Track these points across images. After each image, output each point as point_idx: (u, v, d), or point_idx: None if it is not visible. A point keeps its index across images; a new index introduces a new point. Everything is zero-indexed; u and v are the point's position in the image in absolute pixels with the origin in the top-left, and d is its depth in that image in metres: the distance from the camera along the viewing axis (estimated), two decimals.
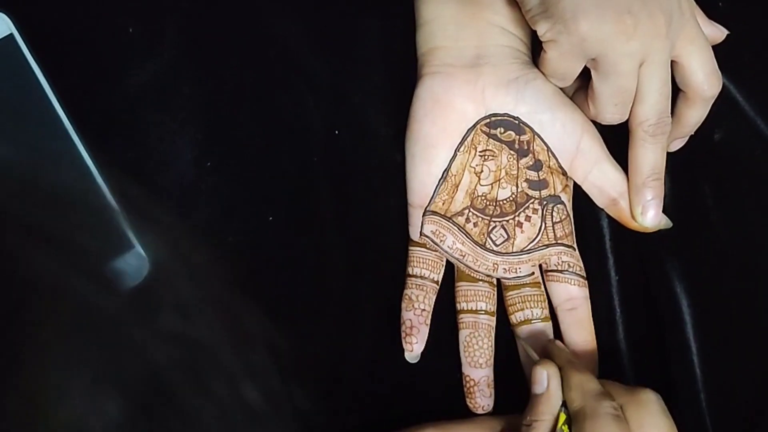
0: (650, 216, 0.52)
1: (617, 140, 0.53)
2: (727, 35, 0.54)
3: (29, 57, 0.54)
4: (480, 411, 0.53)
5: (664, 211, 0.53)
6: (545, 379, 0.49)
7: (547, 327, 0.54)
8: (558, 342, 0.53)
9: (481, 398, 0.53)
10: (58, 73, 0.54)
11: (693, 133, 0.54)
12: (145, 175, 0.55)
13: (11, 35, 0.54)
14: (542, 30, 0.49)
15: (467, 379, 0.53)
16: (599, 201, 0.54)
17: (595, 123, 0.53)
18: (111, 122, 0.55)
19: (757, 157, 0.57)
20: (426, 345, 0.53)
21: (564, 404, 0.48)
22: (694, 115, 0.52)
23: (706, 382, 0.54)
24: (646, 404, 0.48)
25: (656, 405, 0.48)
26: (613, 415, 0.46)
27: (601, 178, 0.53)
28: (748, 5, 0.59)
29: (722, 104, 0.53)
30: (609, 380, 0.50)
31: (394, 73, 0.57)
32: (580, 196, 0.54)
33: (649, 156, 0.51)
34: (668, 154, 0.53)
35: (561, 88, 0.53)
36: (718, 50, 0.52)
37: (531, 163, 0.53)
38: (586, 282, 0.54)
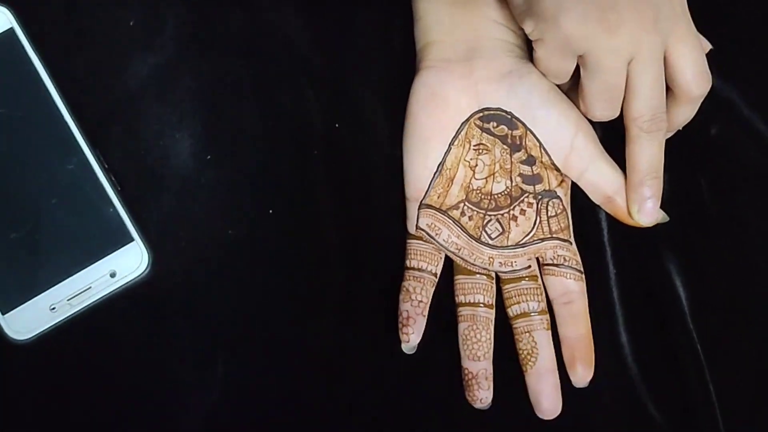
0: (647, 213, 0.52)
1: (617, 141, 0.53)
2: (725, 33, 0.53)
3: (30, 50, 0.54)
4: (478, 404, 0.53)
5: (661, 205, 0.52)
6: None
7: (544, 320, 0.54)
8: None
9: (479, 391, 0.53)
10: (58, 66, 0.55)
11: (681, 128, 0.53)
12: (144, 167, 0.55)
13: (12, 29, 0.54)
14: (528, 29, 0.49)
15: (465, 371, 0.53)
16: (595, 198, 0.54)
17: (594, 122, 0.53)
18: (111, 115, 0.56)
19: (751, 154, 0.57)
20: (426, 338, 0.53)
21: None
22: (682, 113, 0.52)
23: (712, 371, 0.54)
24: None
25: None
26: None
27: (596, 176, 0.53)
28: (746, 4, 0.58)
29: (717, 101, 0.53)
30: None
31: (394, 66, 0.57)
32: (578, 189, 0.54)
33: (646, 152, 0.51)
34: (665, 149, 0.53)
35: (558, 85, 0.53)
36: (717, 56, 0.52)
37: (524, 158, 0.53)
38: (583, 276, 0.54)
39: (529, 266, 0.54)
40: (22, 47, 0.54)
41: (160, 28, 0.56)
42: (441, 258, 0.54)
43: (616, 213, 0.53)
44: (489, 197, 0.53)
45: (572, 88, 0.53)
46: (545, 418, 0.53)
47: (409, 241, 0.54)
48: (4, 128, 0.54)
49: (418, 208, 0.54)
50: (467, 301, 0.54)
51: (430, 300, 0.54)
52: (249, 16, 0.57)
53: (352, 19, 0.57)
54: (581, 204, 0.54)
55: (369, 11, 0.57)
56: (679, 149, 0.54)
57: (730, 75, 0.56)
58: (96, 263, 0.53)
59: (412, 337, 0.53)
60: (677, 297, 0.55)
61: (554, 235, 0.53)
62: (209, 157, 0.56)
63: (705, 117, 0.53)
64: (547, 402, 0.53)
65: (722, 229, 0.56)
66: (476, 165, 0.53)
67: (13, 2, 0.55)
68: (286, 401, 0.55)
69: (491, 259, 0.53)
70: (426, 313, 0.53)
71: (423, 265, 0.54)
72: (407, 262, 0.54)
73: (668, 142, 0.52)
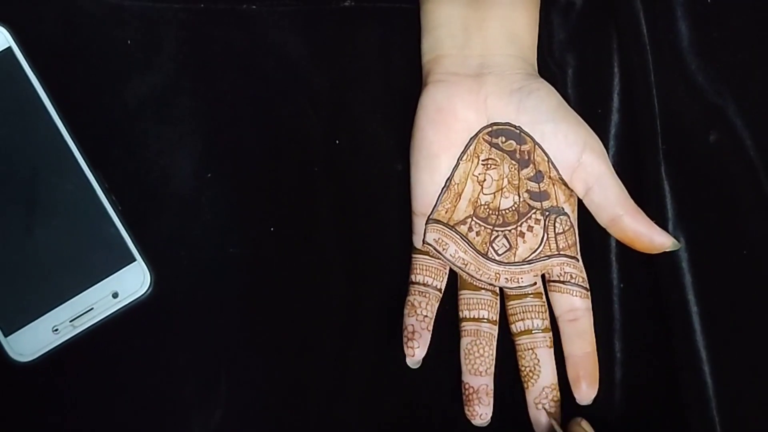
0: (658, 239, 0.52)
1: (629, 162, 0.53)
2: (720, 40, 0.54)
3: (28, 70, 0.54)
4: (477, 419, 0.53)
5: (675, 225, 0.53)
6: None
7: (547, 338, 0.54)
8: (585, 423, 0.52)
9: (479, 406, 0.53)
10: (57, 86, 0.55)
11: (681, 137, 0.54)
12: (145, 187, 0.55)
13: (9, 48, 0.54)
14: None
15: (466, 386, 0.53)
16: (601, 219, 0.53)
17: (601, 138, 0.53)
18: (111, 135, 0.55)
19: (739, 171, 0.55)
20: (428, 353, 0.53)
21: None
22: None
23: (716, 391, 0.52)
24: None
25: None
26: None
27: (602, 195, 0.52)
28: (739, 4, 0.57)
29: (714, 114, 0.53)
30: None
31: (394, 82, 0.57)
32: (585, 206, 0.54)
33: None
34: (666, 156, 0.53)
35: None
36: (712, 61, 0.52)
37: (532, 174, 0.53)
38: (589, 293, 0.54)
39: (535, 283, 0.54)
40: (20, 66, 0.54)
41: (158, 46, 0.56)
42: (446, 274, 0.54)
43: (622, 236, 0.52)
44: (497, 213, 0.53)
45: None
46: None
47: (414, 256, 0.54)
48: (3, 148, 0.53)
49: (426, 223, 0.53)
50: (471, 317, 0.54)
51: (434, 315, 0.54)
52: (247, 34, 0.57)
53: (351, 36, 0.57)
54: (590, 219, 0.54)
55: (368, 28, 0.57)
56: (681, 155, 0.54)
57: (727, 86, 0.55)
58: (98, 284, 0.53)
59: (417, 352, 0.53)
60: (688, 312, 0.53)
61: (561, 252, 0.53)
62: (209, 175, 0.56)
63: (702, 124, 0.53)
64: (547, 420, 0.53)
65: (735, 242, 0.54)
66: (484, 180, 0.53)
67: (10, 21, 0.54)
68: (289, 419, 0.55)
69: (498, 275, 0.53)
70: (431, 328, 0.53)
71: (428, 281, 0.54)
72: (412, 277, 0.54)
73: (669, 149, 0.53)
